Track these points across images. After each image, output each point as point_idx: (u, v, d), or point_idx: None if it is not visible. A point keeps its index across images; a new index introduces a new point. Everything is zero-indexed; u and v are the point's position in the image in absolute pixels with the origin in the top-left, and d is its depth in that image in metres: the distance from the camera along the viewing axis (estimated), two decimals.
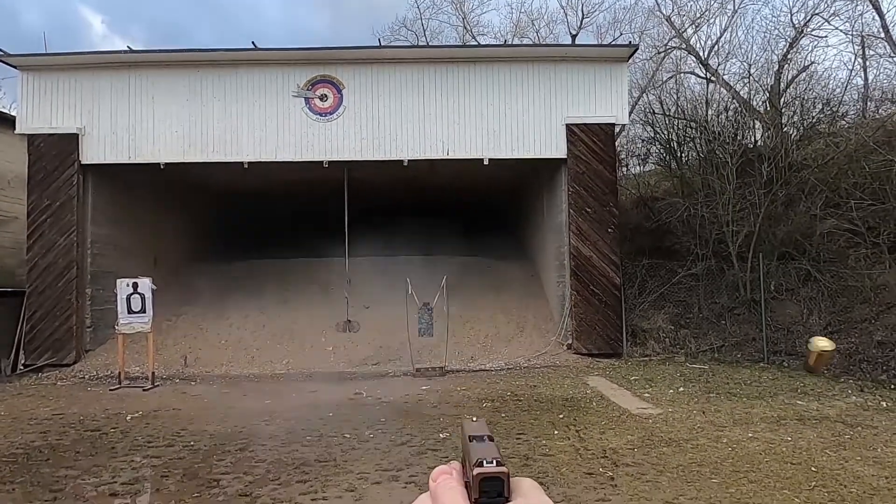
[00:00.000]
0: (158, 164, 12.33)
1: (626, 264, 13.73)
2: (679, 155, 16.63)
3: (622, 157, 18.06)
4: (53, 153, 12.07)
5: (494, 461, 0.47)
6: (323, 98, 12.36)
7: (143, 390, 9.81)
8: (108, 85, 12.30)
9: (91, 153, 12.23)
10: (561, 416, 7.42)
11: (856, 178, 12.49)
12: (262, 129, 12.33)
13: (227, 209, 18.82)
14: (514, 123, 12.45)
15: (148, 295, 10.33)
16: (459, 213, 19.48)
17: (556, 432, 6.62)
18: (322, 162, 12.36)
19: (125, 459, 5.91)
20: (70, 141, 12.10)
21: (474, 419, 0.55)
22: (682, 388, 8.94)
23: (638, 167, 19.25)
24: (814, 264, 12.11)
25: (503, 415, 7.55)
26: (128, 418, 7.74)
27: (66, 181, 12.05)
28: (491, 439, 0.51)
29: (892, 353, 9.75)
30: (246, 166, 12.40)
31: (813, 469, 5.18)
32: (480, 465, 0.47)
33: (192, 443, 6.46)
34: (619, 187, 14.31)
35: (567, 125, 12.38)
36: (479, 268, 15.44)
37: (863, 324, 10.69)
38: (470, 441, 0.51)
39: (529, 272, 15.32)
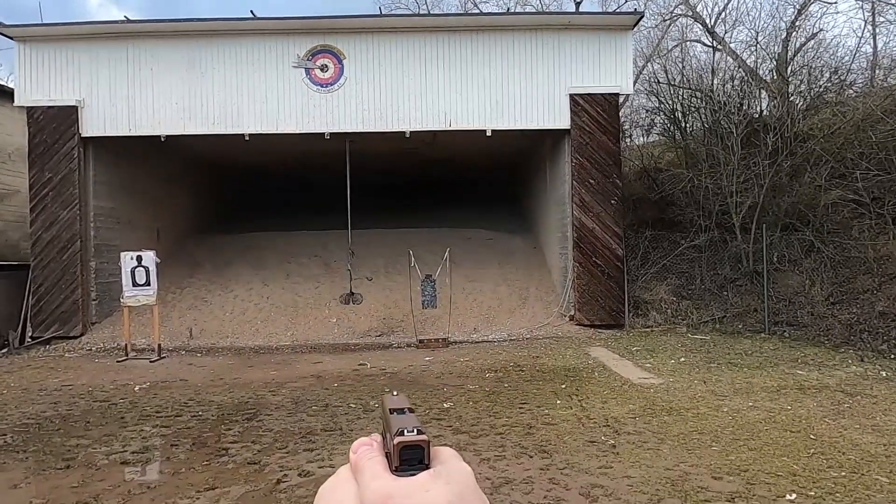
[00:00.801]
0: (159, 136, 12.26)
1: (629, 235, 13.73)
2: (683, 125, 16.46)
3: (626, 127, 17.88)
4: (53, 126, 11.99)
5: (415, 430, 0.48)
6: (323, 69, 12.20)
7: (150, 362, 9.94)
8: (105, 56, 12.16)
9: (91, 126, 12.15)
10: (563, 385, 7.50)
11: (862, 147, 12.37)
12: (262, 100, 12.20)
13: (230, 181, 18.79)
14: (517, 94, 12.30)
15: (152, 268, 10.37)
16: (462, 184, 19.42)
17: (558, 402, 6.71)
18: (323, 134, 12.26)
19: (135, 429, 6.02)
20: (69, 113, 12.01)
21: (395, 393, 0.55)
22: (683, 359, 9.02)
23: (642, 138, 19.08)
24: (817, 235, 12.08)
25: (506, 385, 7.64)
26: (136, 389, 7.85)
27: (66, 154, 12.00)
28: (411, 411, 0.51)
29: (893, 324, 9.78)
30: (247, 138, 12.32)
31: (812, 437, 5.26)
32: (401, 434, 0.47)
33: (200, 413, 6.57)
34: (623, 158, 14.19)
35: (570, 95, 12.24)
36: (481, 240, 15.45)
37: (865, 294, 10.72)
38: (391, 413, 0.51)
39: (532, 244, 15.32)
